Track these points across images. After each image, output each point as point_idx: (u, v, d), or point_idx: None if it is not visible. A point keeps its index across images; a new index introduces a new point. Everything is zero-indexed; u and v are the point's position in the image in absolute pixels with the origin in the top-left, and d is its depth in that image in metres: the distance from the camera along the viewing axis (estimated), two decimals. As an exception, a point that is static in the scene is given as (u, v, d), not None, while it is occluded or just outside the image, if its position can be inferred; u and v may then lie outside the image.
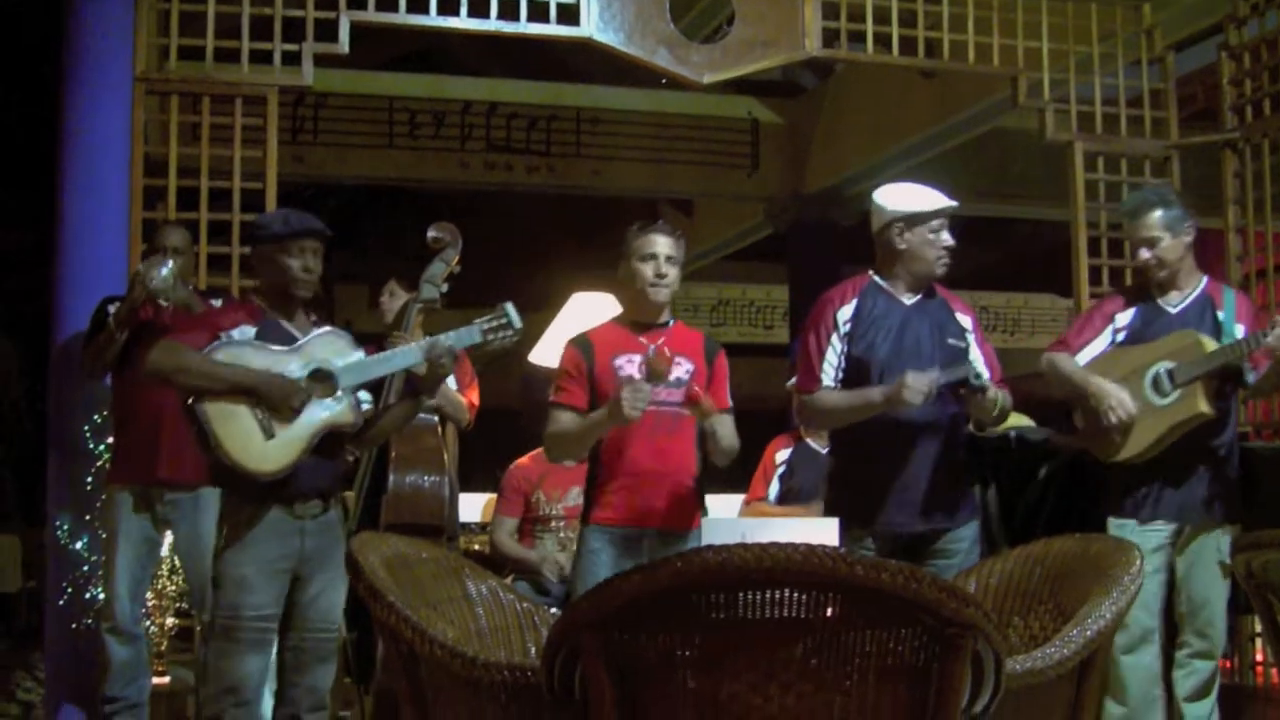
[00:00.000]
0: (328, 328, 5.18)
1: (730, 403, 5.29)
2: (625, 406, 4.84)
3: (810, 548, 2.43)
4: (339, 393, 5.00)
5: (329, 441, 5.03)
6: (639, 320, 5.28)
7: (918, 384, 4.96)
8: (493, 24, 7.12)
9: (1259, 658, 7.53)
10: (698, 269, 17.54)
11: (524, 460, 7.26)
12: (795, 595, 2.49)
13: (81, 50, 6.84)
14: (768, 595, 2.49)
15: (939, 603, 2.47)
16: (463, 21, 7.15)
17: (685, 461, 5.18)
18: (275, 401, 4.88)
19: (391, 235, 16.23)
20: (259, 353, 4.98)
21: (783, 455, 7.62)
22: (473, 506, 8.01)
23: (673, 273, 5.20)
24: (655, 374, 4.98)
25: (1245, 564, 4.53)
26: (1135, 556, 3.39)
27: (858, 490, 5.27)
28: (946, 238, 5.30)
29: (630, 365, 5.10)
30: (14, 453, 14.95)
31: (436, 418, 6.52)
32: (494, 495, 7.58)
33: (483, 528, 7.91)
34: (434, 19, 7.13)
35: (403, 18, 7.12)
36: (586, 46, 7.42)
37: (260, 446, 4.89)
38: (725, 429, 5.14)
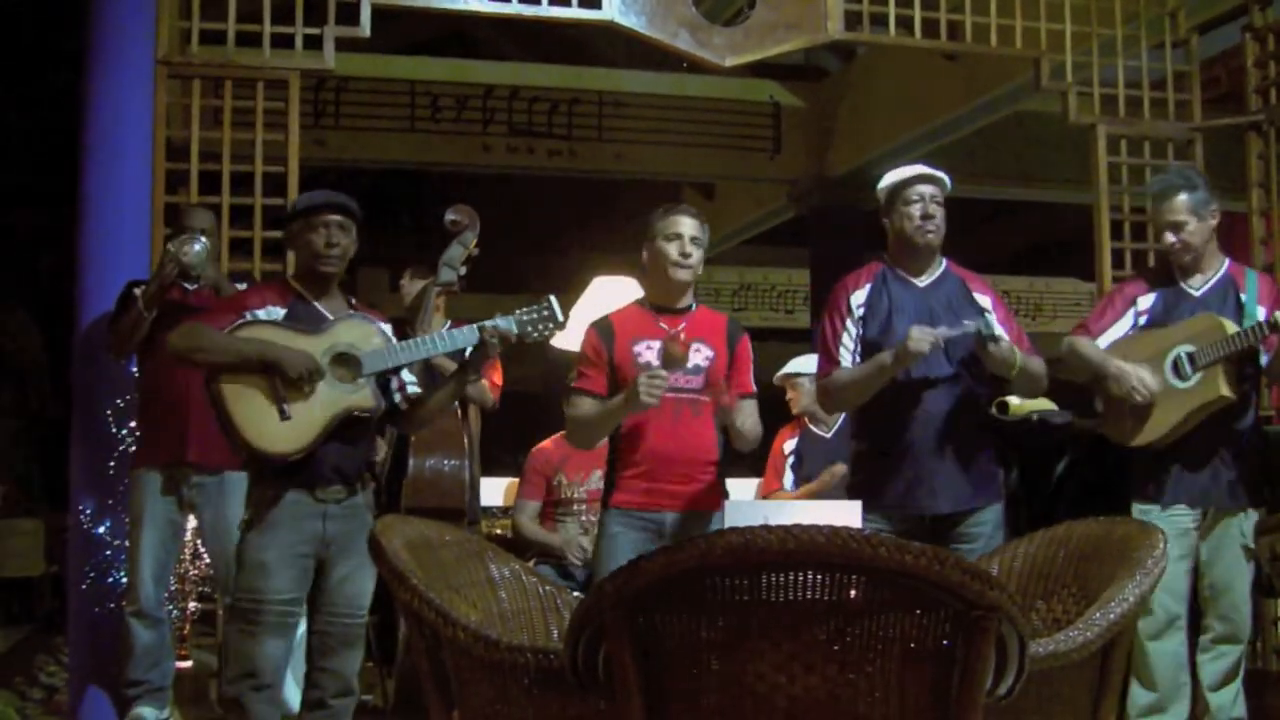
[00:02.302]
0: (359, 312, 5.20)
1: (753, 387, 5.29)
2: (642, 393, 4.87)
3: (834, 530, 2.43)
4: (361, 378, 5.01)
5: (352, 426, 5.04)
6: (660, 303, 5.27)
7: (922, 334, 4.97)
8: (515, 7, 7.11)
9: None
10: (719, 253, 17.51)
11: (546, 444, 7.26)
12: (818, 577, 2.49)
13: (104, 33, 6.83)
14: (791, 577, 2.49)
15: (963, 585, 2.47)
16: (484, 5, 7.14)
17: (705, 445, 5.17)
18: (292, 373, 4.89)
19: (414, 219, 16.25)
20: (282, 333, 4.99)
21: (790, 445, 7.65)
22: (495, 490, 8.03)
23: (696, 254, 5.18)
24: (671, 361, 4.98)
25: (1270, 547, 4.52)
26: (1159, 540, 3.38)
27: (880, 472, 5.26)
28: (921, 209, 5.28)
29: (649, 352, 5.11)
30: (38, 435, 15.00)
31: (455, 401, 6.52)
32: (516, 479, 7.59)
33: (505, 511, 7.93)
34: (456, 2, 7.13)
35: (424, 1, 7.12)
36: (608, 30, 7.42)
37: (275, 427, 4.90)
38: (747, 415, 5.17)
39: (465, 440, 6.44)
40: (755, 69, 11.28)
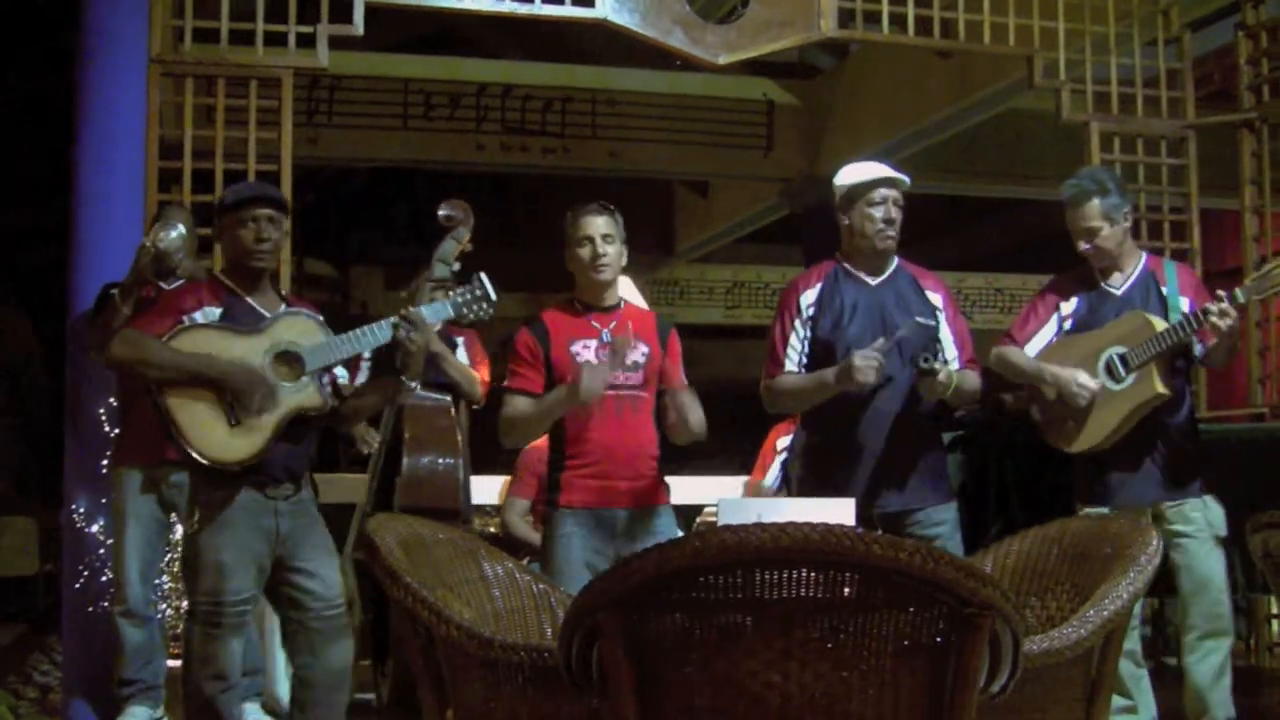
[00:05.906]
0: (296, 307, 5.16)
1: (686, 381, 5.31)
2: (583, 386, 4.91)
3: (827, 527, 2.42)
4: (305, 376, 4.97)
5: (297, 425, 5.00)
6: (589, 302, 5.29)
7: (866, 363, 4.99)
8: (508, 5, 7.11)
9: (1276, 640, 7.53)
10: (713, 250, 17.55)
11: (540, 442, 7.24)
12: (812, 575, 2.48)
13: (97, 30, 6.84)
14: (784, 575, 2.48)
15: (957, 582, 2.46)
16: (478, 3, 7.13)
17: (648, 441, 5.21)
18: (240, 395, 4.86)
19: (408, 218, 16.22)
20: (223, 336, 4.93)
21: (784, 442, 7.64)
22: (486, 489, 8.01)
23: (610, 251, 5.21)
24: (619, 350, 5.05)
25: (1263, 543, 4.50)
26: (1152, 537, 3.39)
27: (828, 468, 5.28)
28: (884, 212, 5.28)
29: (587, 351, 5.14)
30: (32, 432, 14.99)
31: (449, 398, 6.49)
32: (508, 477, 7.58)
33: (497, 510, 7.91)
34: (449, 0, 7.12)
35: (418, -1, 7.13)
36: (602, 28, 7.41)
37: (224, 435, 4.85)
38: (690, 407, 5.17)
39: (459, 438, 6.42)
40: (748, 66, 11.28)
